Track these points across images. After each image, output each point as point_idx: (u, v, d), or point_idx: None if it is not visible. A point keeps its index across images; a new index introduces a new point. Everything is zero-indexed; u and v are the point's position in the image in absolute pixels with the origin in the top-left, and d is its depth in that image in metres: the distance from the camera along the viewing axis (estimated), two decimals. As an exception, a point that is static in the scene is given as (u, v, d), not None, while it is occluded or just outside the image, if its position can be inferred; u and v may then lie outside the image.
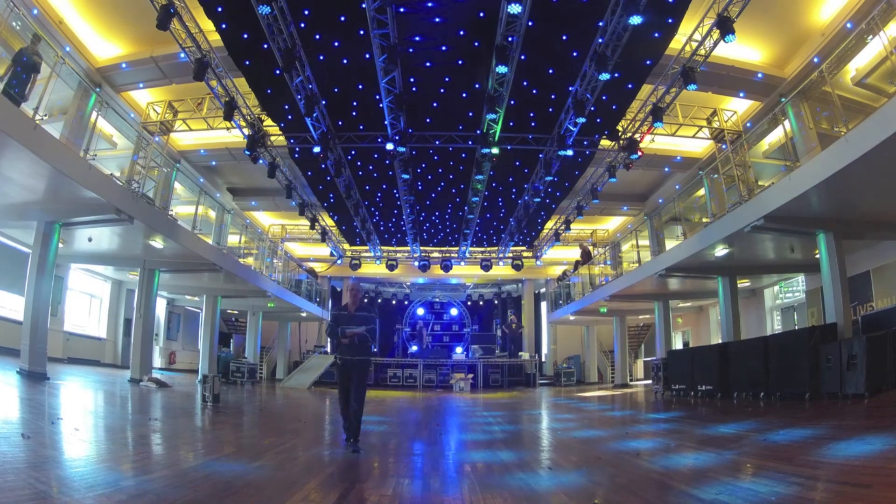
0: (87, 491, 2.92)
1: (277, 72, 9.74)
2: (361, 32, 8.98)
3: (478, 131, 12.00)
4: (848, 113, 8.33)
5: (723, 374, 10.79)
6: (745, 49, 11.32)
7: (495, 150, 11.96)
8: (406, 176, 13.81)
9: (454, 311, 29.66)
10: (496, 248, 22.57)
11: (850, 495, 3.04)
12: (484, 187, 14.67)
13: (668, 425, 7.69)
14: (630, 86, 11.04)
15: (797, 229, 9.52)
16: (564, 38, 9.52)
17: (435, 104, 11.52)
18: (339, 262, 23.66)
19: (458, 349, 25.89)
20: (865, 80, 9.89)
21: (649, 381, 17.68)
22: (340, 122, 12.22)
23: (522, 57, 9.47)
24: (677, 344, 21.04)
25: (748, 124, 13.05)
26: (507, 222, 18.79)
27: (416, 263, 23.50)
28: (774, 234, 9.88)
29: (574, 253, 24.61)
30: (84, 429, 5.36)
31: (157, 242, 11.65)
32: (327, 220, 19.64)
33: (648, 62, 10.29)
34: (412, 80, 10.27)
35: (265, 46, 9.24)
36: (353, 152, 13.32)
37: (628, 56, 9.46)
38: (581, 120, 10.95)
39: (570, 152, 12.20)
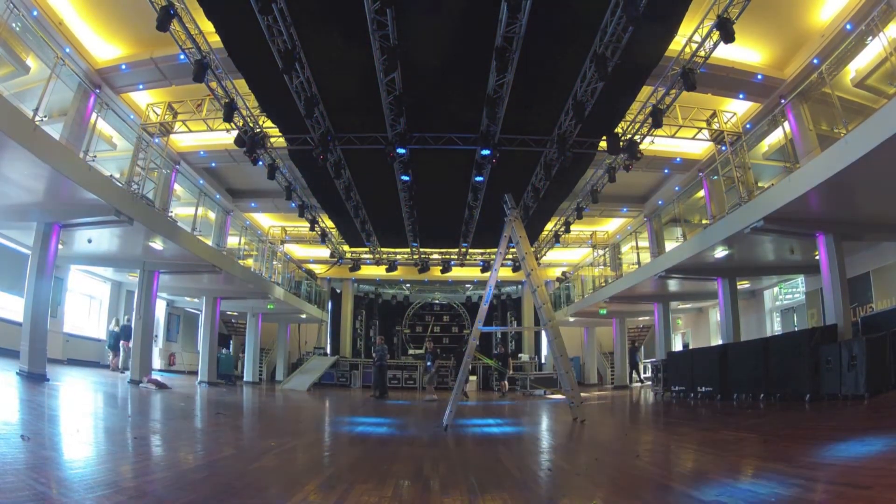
0: (87, 492, 2.92)
1: (277, 73, 9.73)
2: (361, 33, 8.98)
3: (478, 133, 12.01)
4: (847, 114, 8.36)
5: (723, 376, 10.79)
6: (745, 50, 11.33)
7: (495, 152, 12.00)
8: (406, 178, 13.80)
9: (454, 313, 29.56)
10: (496, 249, 22.51)
11: (850, 496, 3.03)
12: (483, 188, 14.66)
13: (668, 427, 7.68)
14: (629, 87, 11.03)
15: (797, 231, 9.53)
16: (564, 39, 9.52)
17: (435, 105, 11.51)
18: (340, 261, 23.62)
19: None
20: (865, 82, 9.91)
21: (649, 383, 17.69)
22: (340, 124, 12.21)
23: (522, 58, 9.47)
24: (677, 345, 21.05)
25: (748, 126, 13.06)
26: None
27: (416, 265, 23.47)
28: (774, 235, 9.89)
29: (575, 254, 24.62)
30: (84, 430, 5.36)
31: (157, 244, 11.66)
32: (327, 222, 19.63)
33: (648, 64, 10.28)
34: (412, 80, 10.26)
35: (265, 47, 9.24)
36: (352, 154, 13.31)
37: (628, 57, 9.46)
38: (580, 123, 10.95)
39: (568, 154, 12.20)
